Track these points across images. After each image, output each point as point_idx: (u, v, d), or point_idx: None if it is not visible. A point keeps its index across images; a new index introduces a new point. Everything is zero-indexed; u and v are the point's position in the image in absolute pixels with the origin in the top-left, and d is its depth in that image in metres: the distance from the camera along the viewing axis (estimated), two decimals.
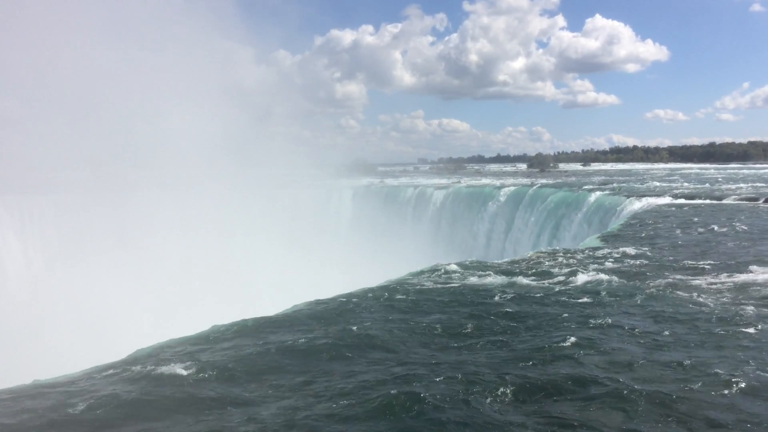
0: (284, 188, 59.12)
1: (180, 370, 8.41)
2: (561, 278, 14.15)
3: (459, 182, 65.96)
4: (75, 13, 50.44)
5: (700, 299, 11.89)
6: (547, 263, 16.15)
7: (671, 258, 16.23)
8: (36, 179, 42.30)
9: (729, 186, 43.58)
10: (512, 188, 51.31)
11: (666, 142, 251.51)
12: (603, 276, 14.03)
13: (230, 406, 7.42)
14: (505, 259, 18.03)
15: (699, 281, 13.44)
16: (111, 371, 8.66)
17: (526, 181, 63.26)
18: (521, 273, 14.93)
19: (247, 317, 11.21)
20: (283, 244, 45.02)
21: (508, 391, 7.55)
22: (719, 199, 33.06)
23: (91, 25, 50.97)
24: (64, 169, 42.20)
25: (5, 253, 41.24)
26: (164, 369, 8.42)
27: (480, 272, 15.04)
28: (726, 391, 7.43)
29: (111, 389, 7.90)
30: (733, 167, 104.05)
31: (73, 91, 46.27)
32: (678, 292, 12.49)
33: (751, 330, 9.77)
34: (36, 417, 7.05)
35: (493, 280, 14.23)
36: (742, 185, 44.07)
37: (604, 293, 12.53)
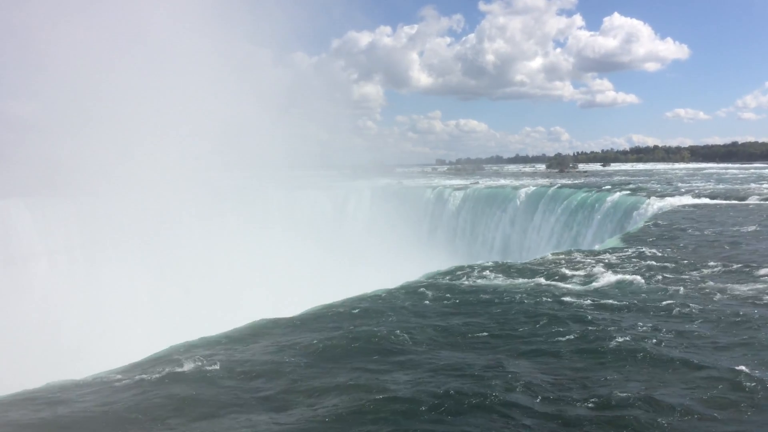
0: (302, 189, 59.37)
1: (202, 370, 8.49)
2: (581, 279, 14.05)
3: (477, 183, 65.67)
4: (95, 15, 51.10)
5: (724, 302, 11.73)
6: (567, 264, 16.04)
7: (694, 259, 16.02)
8: (59, 180, 42.90)
9: (752, 186, 42.92)
10: (531, 189, 50.93)
11: (687, 142, 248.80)
12: (624, 277, 13.90)
13: (253, 406, 7.47)
14: (525, 260, 17.93)
15: (723, 283, 13.25)
16: (132, 372, 8.76)
17: (545, 181, 62.83)
18: (541, 274, 14.84)
19: (267, 317, 11.30)
20: (302, 244, 45.22)
21: (527, 390, 7.53)
22: (742, 199, 32.57)
23: (112, 28, 51.60)
24: (87, 170, 42.76)
25: (29, 254, 41.87)
26: (186, 369, 8.51)
27: (500, 273, 15.00)
28: (758, 396, 7.33)
29: (132, 390, 8.00)
30: (757, 167, 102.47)
31: (93, 94, 46.86)
32: (702, 295, 12.34)
33: None
34: (54, 418, 7.15)
35: (513, 280, 14.17)
36: (765, 185, 43.39)
37: (624, 294, 12.43)
